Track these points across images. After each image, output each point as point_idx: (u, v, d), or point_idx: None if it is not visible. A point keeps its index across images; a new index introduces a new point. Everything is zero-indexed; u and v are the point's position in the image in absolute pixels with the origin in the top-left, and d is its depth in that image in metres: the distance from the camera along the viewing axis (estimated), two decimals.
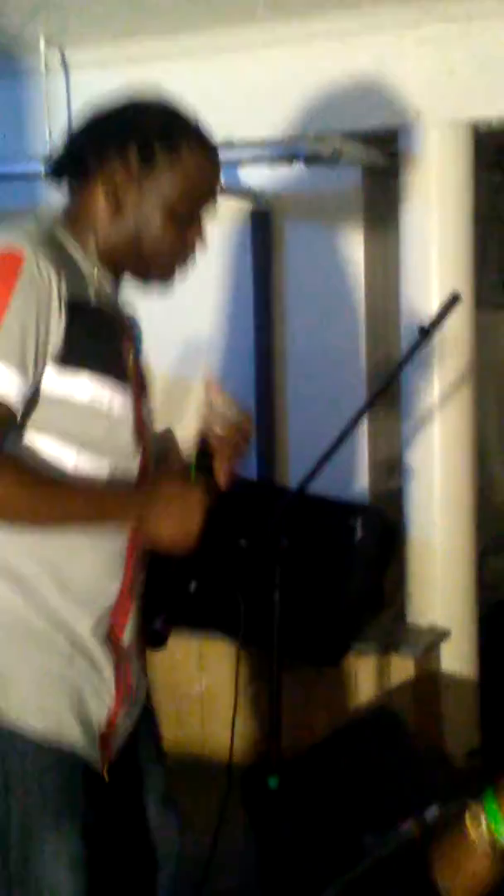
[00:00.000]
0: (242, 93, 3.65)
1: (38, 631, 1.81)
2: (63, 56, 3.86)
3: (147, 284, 1.98)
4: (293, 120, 3.58)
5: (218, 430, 1.98)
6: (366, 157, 3.67)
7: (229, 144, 3.57)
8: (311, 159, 3.47)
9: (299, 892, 1.91)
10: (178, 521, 1.85)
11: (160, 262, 1.93)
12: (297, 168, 3.63)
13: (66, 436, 1.79)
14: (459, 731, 3.61)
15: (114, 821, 1.96)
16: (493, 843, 1.53)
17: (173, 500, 1.85)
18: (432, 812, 1.65)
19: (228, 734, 2.18)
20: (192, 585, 2.33)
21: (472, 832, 1.54)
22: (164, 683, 3.43)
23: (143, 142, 1.86)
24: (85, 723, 1.84)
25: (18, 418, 1.74)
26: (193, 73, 3.67)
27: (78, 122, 1.93)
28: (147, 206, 1.88)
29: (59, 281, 1.74)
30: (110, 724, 1.89)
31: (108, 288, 1.91)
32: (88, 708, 1.85)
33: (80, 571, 1.84)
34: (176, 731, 3.57)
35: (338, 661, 3.56)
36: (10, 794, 1.78)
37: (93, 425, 1.82)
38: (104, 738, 1.88)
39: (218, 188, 1.98)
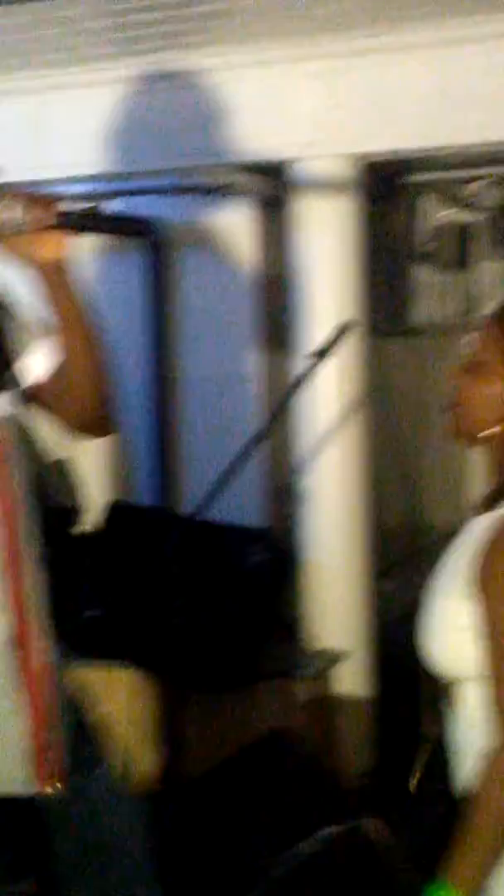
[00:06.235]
0: (136, 125, 3.68)
1: None
2: None
3: None
4: (185, 152, 3.61)
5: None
6: (257, 188, 3.73)
7: (123, 176, 3.61)
8: (204, 190, 3.51)
9: None
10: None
11: None
12: (190, 198, 3.67)
13: None
14: (355, 752, 3.65)
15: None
16: None
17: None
18: (327, 832, 1.68)
19: (127, 760, 2.18)
20: (94, 613, 2.34)
21: None
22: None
23: None
24: None
25: None
26: (87, 105, 3.68)
27: None
28: None
29: None
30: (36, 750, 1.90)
31: None
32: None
33: None
34: None
35: (235, 688, 3.57)
36: None
37: None
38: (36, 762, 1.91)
39: None
